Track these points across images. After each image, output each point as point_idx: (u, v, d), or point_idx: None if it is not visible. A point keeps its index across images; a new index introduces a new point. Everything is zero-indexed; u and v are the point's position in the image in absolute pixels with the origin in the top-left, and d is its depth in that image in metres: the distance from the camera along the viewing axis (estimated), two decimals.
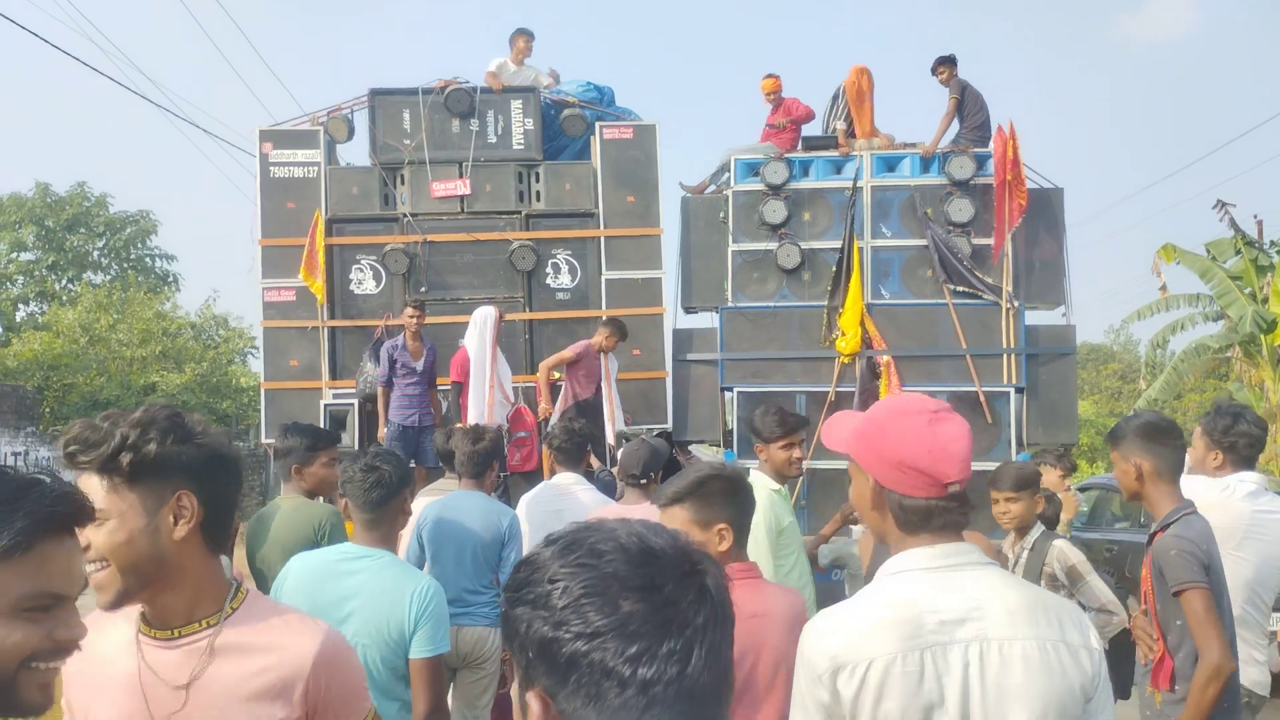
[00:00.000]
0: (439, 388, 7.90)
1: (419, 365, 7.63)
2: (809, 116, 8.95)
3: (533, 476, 7.13)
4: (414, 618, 2.87)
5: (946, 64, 8.78)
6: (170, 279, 25.64)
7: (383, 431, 7.58)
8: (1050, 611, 1.70)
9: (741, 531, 2.64)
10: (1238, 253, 16.26)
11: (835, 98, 9.02)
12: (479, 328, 7.51)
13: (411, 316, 7.58)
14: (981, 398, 8.12)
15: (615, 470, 5.52)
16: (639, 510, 4.04)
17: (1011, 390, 8.20)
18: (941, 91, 8.82)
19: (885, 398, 1.88)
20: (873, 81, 8.94)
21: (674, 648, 0.94)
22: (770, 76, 9.00)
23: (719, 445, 8.91)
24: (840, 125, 8.83)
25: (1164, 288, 17.09)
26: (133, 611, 1.70)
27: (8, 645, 1.16)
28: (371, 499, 3.02)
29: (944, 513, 1.73)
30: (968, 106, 8.64)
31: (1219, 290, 15.91)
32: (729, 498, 2.62)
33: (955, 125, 8.70)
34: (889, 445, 1.75)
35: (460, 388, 7.51)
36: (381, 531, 3.07)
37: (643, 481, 4.41)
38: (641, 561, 0.97)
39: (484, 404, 7.31)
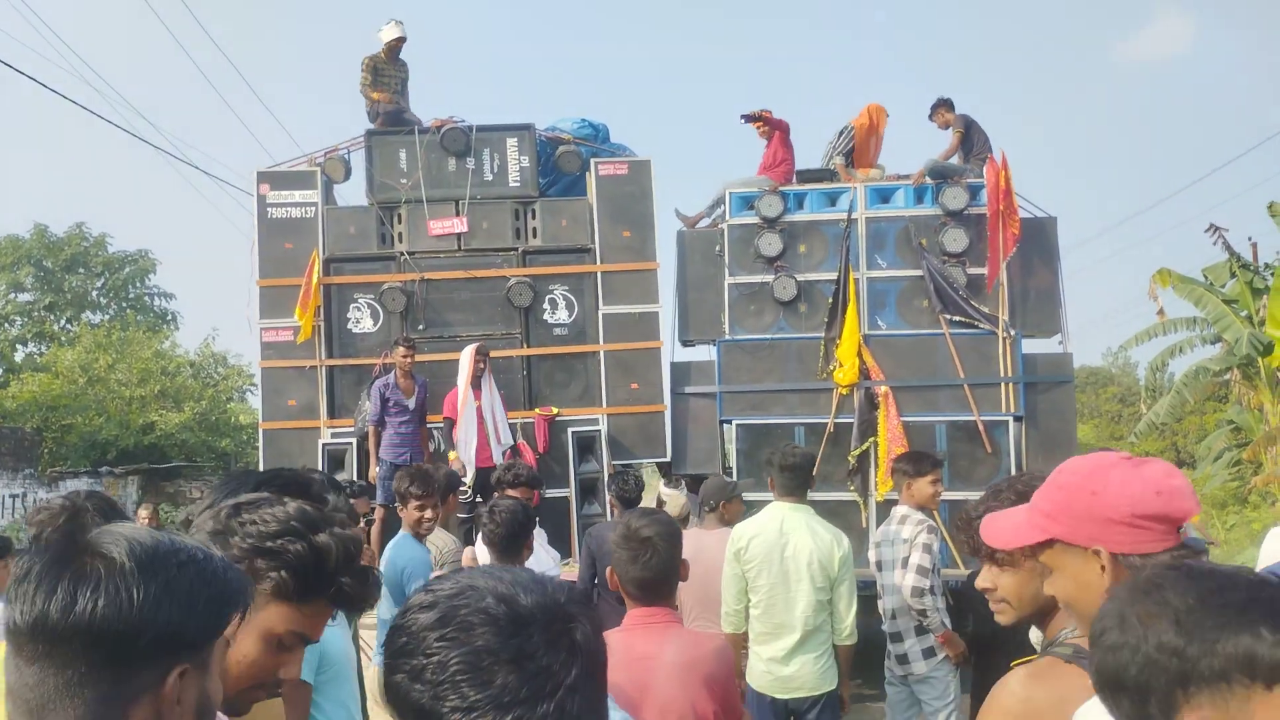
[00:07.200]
0: (431, 424, 7.93)
1: (411, 403, 7.65)
2: (786, 126, 8.99)
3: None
4: None
5: (943, 106, 8.87)
6: (169, 317, 25.65)
7: (374, 470, 7.57)
8: None
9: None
10: (1233, 276, 16.30)
11: (841, 133, 9.10)
12: (461, 366, 7.69)
13: (404, 355, 7.61)
14: (980, 427, 8.12)
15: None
16: (716, 534, 5.05)
17: (1010, 419, 8.20)
18: (938, 132, 8.93)
19: (1079, 457, 1.65)
20: (886, 119, 9.09)
21: (548, 710, 0.98)
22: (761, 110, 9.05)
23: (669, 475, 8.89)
24: (839, 160, 8.91)
25: (1161, 311, 17.12)
26: None
27: (259, 666, 1.36)
28: None
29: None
30: (972, 139, 8.72)
31: (1214, 315, 15.94)
32: None
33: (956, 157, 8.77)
34: (1110, 501, 1.51)
35: (452, 423, 7.60)
36: None
37: (719, 508, 5.28)
38: (511, 632, 1.00)
39: (467, 444, 7.47)
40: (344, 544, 1.58)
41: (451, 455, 7.57)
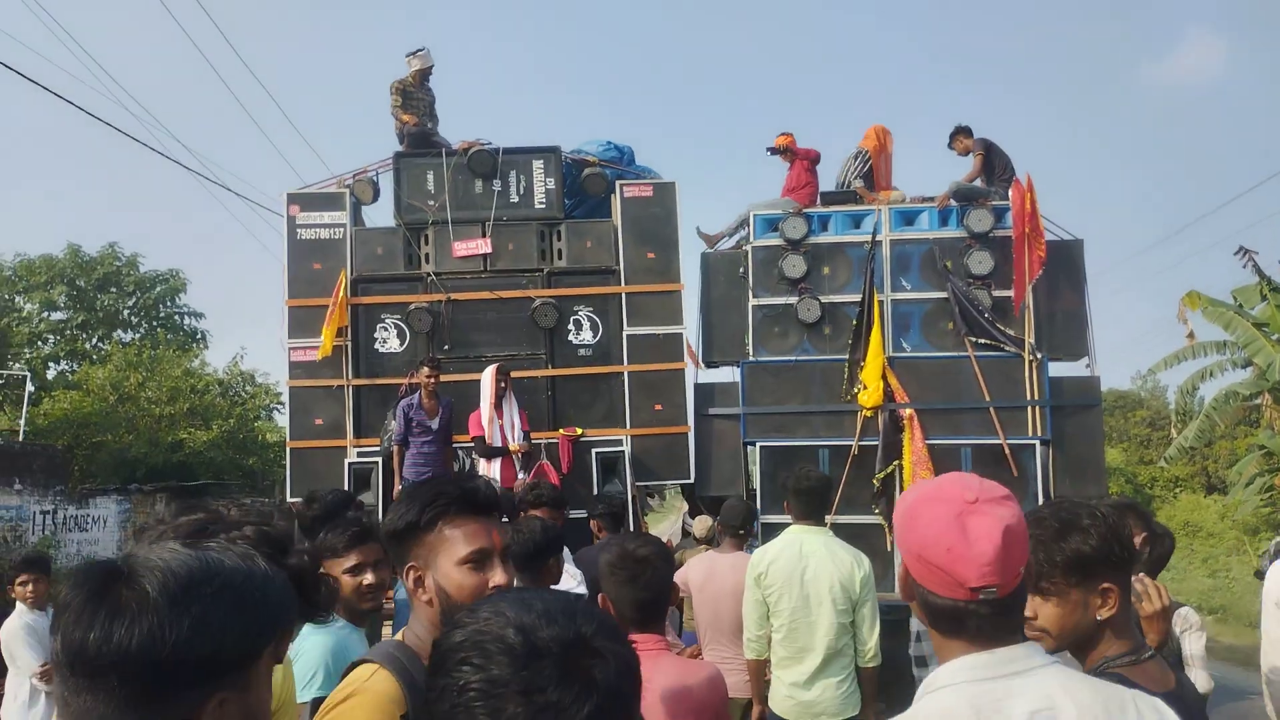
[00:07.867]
0: (459, 444, 7.96)
1: (434, 423, 7.68)
2: (816, 156, 9.02)
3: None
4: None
5: (962, 133, 8.87)
6: (198, 336, 25.95)
7: (399, 490, 7.60)
8: (1128, 707, 1.49)
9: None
10: (1264, 299, 16.11)
11: (855, 156, 9.12)
12: (483, 387, 7.75)
13: (428, 376, 7.65)
14: (1006, 450, 8.06)
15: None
16: (730, 557, 5.19)
17: (1037, 443, 8.14)
18: (958, 160, 8.92)
19: (939, 478, 1.61)
20: (892, 138, 9.11)
21: None
22: (783, 135, 9.10)
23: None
24: (859, 183, 8.92)
25: (1191, 335, 16.94)
26: None
27: None
28: None
29: (975, 618, 1.48)
30: (994, 162, 8.71)
31: (1244, 339, 15.75)
32: None
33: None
34: (913, 534, 1.55)
35: (482, 440, 7.63)
36: None
37: (740, 532, 5.38)
38: (524, 664, 1.02)
39: (489, 461, 7.54)
40: (313, 559, 1.59)
41: (514, 446, 7.63)
